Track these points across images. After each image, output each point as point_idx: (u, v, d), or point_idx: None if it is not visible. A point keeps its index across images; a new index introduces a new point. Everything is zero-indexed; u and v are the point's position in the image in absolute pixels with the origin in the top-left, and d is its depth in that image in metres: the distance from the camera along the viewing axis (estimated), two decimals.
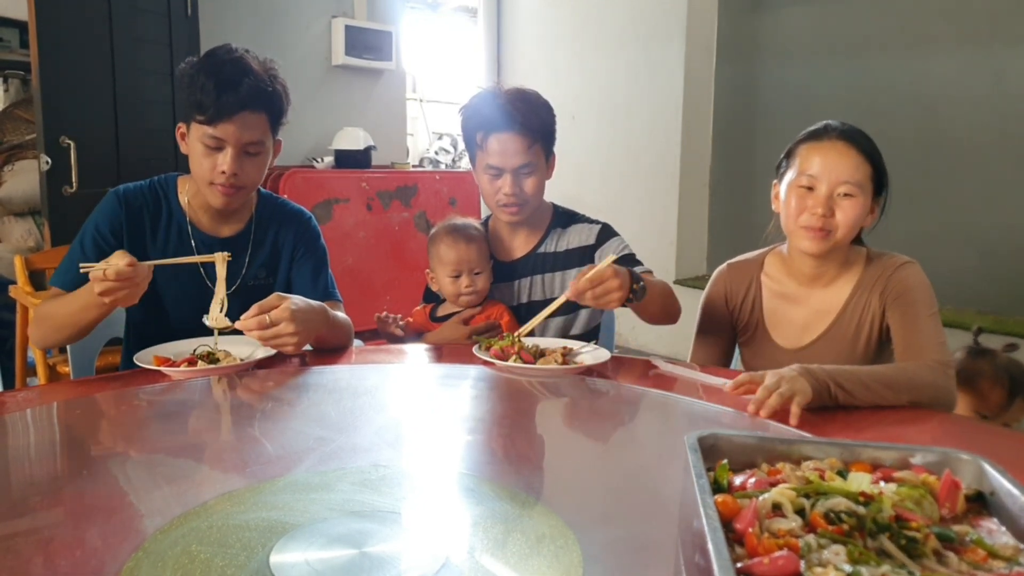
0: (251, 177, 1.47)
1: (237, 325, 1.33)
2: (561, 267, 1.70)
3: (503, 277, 1.72)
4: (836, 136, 1.35)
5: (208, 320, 1.39)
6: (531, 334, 1.61)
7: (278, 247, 1.61)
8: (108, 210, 1.49)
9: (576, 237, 1.70)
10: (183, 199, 1.54)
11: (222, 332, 1.40)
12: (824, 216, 1.32)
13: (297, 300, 1.37)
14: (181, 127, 1.47)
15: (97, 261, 1.43)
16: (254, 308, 1.33)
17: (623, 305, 1.41)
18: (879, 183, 1.37)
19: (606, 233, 1.70)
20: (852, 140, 1.34)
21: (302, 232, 1.64)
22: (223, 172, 1.41)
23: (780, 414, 1.09)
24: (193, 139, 1.43)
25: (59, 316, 1.38)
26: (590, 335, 1.73)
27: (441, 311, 1.71)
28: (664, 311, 1.53)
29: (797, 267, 1.45)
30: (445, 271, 1.64)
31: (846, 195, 1.33)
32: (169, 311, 1.52)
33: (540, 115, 1.60)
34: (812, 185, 1.34)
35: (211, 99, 1.37)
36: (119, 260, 1.24)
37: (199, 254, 1.51)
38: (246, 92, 1.39)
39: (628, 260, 1.63)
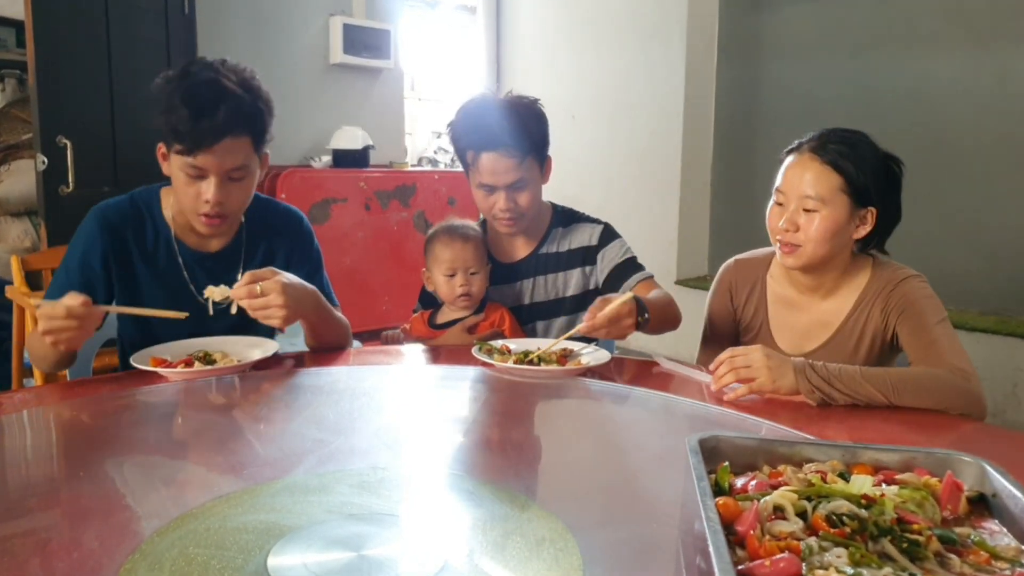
0: (238, 202, 1.42)
1: (231, 294, 1.32)
2: (564, 267, 1.70)
3: (505, 279, 1.71)
4: (806, 149, 1.35)
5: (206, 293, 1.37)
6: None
7: (271, 255, 1.56)
8: (91, 237, 1.43)
9: (578, 237, 1.70)
10: (167, 213, 1.48)
11: (217, 304, 1.38)
12: (787, 231, 1.34)
13: (290, 276, 1.35)
14: (161, 147, 1.39)
15: (84, 287, 1.37)
16: (247, 276, 1.31)
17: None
18: (861, 194, 1.32)
19: (608, 235, 1.70)
20: (820, 152, 1.32)
21: (295, 237, 1.59)
22: (207, 201, 1.36)
23: (792, 420, 1.09)
24: (175, 167, 1.37)
25: (36, 350, 1.37)
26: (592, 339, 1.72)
27: (440, 318, 1.68)
28: (665, 323, 1.53)
29: (794, 275, 1.45)
30: (440, 270, 1.62)
31: (809, 209, 1.33)
32: (157, 324, 1.42)
33: (529, 128, 1.57)
34: (783, 201, 1.36)
35: (187, 128, 1.30)
36: (72, 300, 1.21)
37: (188, 271, 1.48)
38: (224, 119, 1.32)
39: (630, 264, 1.64)
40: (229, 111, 1.32)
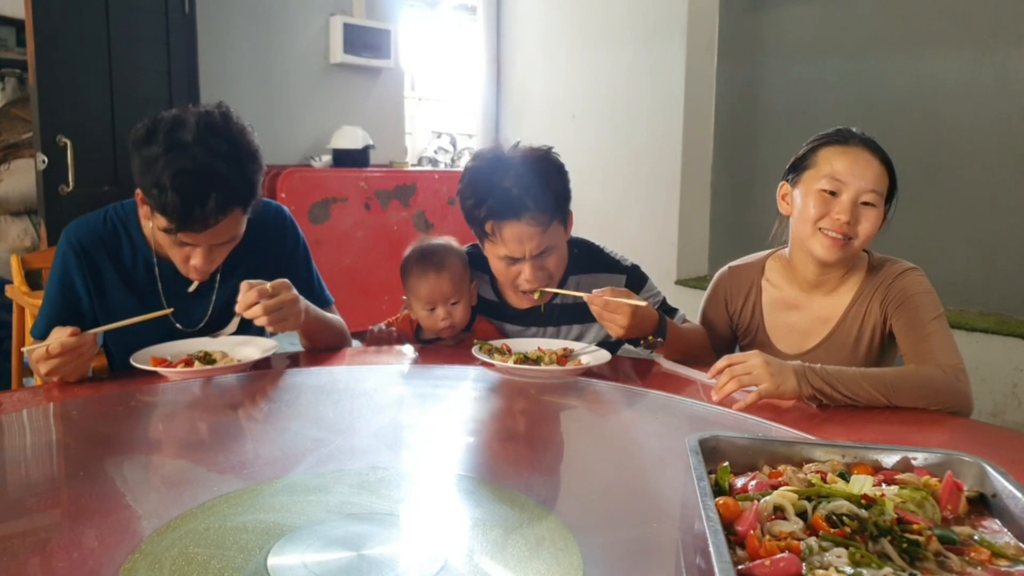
0: (223, 260, 1.40)
1: (237, 309, 1.30)
2: (579, 320, 1.54)
3: (515, 321, 1.58)
4: (860, 143, 1.33)
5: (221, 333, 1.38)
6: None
7: (257, 260, 1.49)
8: (65, 258, 1.40)
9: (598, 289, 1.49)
10: (147, 228, 1.42)
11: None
12: (848, 223, 1.29)
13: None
14: (140, 194, 1.33)
15: (70, 316, 1.37)
16: (254, 293, 1.28)
17: (631, 341, 1.40)
18: (891, 195, 1.35)
19: (633, 284, 1.53)
20: (875, 149, 1.32)
21: (278, 239, 1.54)
22: (195, 267, 1.35)
23: (792, 420, 1.09)
24: (159, 228, 1.31)
25: (37, 370, 1.32)
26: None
27: (426, 333, 1.59)
28: (687, 353, 1.46)
29: (801, 273, 1.43)
30: (419, 303, 1.51)
31: (869, 204, 1.30)
32: (135, 344, 1.38)
33: (554, 187, 1.42)
34: (837, 190, 1.31)
35: (175, 214, 1.25)
36: (60, 335, 1.21)
37: (166, 289, 1.44)
38: (215, 206, 1.25)
39: (660, 309, 1.48)
40: (220, 198, 1.26)
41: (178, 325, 1.45)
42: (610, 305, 1.31)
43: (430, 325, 1.54)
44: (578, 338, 1.57)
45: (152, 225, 1.37)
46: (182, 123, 1.27)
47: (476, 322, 1.60)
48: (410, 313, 1.59)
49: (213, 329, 1.46)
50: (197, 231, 1.28)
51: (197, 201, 1.24)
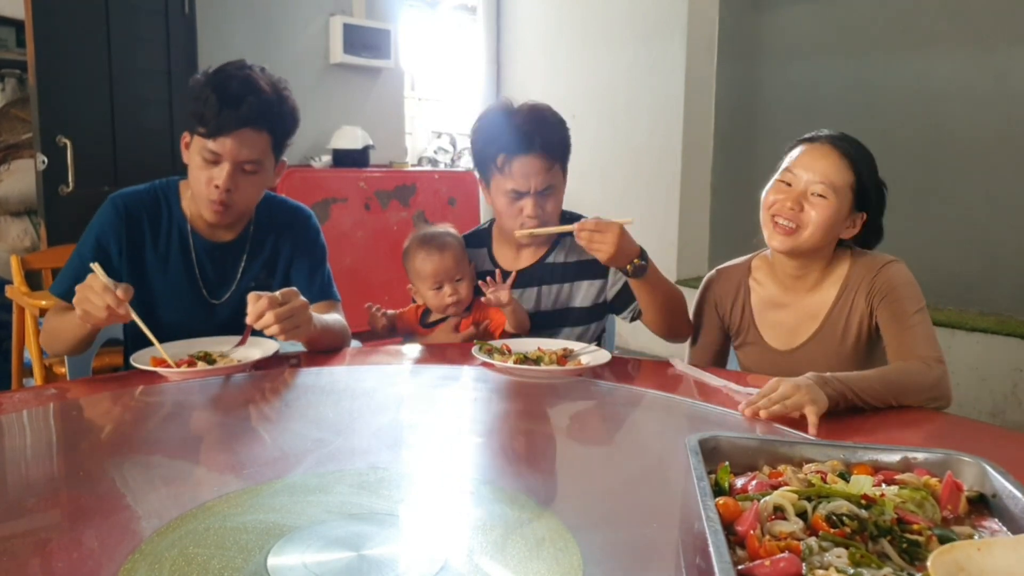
0: (246, 195, 1.46)
1: (248, 321, 1.30)
2: (571, 279, 1.66)
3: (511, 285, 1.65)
4: (825, 140, 1.37)
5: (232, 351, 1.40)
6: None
7: (277, 248, 1.60)
8: (106, 219, 1.48)
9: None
10: (185, 204, 1.53)
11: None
12: (792, 209, 1.32)
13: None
14: (185, 137, 1.45)
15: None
16: (264, 301, 1.29)
17: (624, 271, 1.44)
18: (863, 197, 1.36)
19: None
20: (839, 145, 1.35)
21: (301, 234, 1.62)
22: (216, 186, 1.40)
23: (793, 422, 1.08)
24: (193, 151, 1.42)
25: (60, 332, 1.39)
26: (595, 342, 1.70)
27: (432, 316, 1.68)
28: (670, 317, 1.52)
29: (780, 268, 1.45)
30: (425, 284, 1.60)
31: (819, 195, 1.32)
32: (161, 311, 1.49)
33: (559, 133, 1.57)
34: (790, 181, 1.35)
35: (212, 113, 1.36)
36: (126, 291, 1.23)
37: (198, 260, 1.52)
38: (248, 109, 1.38)
39: None
40: (253, 104, 1.39)
41: (204, 292, 1.52)
42: (600, 225, 1.39)
43: (437, 304, 1.61)
44: (569, 295, 1.66)
45: (188, 203, 1.49)
46: (232, 62, 1.45)
47: (480, 308, 1.64)
48: (416, 298, 1.67)
49: (237, 301, 1.51)
50: (228, 131, 1.37)
51: (233, 102, 1.37)
